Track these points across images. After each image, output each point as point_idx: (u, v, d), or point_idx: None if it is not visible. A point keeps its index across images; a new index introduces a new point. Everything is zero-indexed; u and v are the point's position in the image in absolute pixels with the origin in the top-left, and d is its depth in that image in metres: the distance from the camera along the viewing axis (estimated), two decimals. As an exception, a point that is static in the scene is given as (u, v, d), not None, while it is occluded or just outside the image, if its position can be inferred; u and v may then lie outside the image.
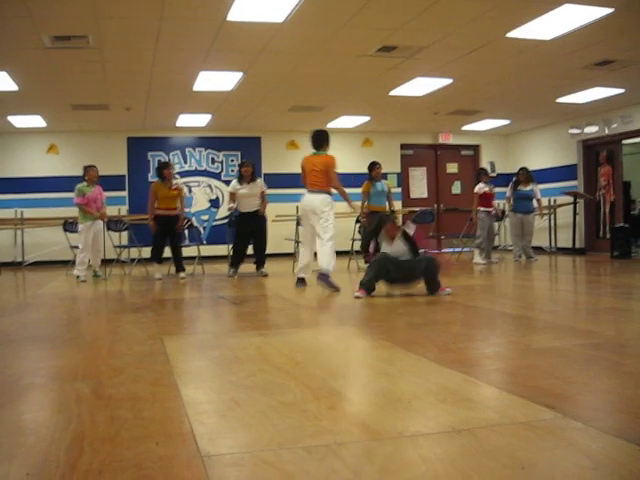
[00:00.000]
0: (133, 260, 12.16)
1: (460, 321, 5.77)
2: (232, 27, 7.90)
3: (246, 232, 10.92)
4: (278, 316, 6.55)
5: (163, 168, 11.02)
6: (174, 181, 11.12)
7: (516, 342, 4.64)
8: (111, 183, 14.71)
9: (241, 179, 10.94)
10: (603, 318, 5.85)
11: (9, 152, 14.81)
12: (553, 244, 15.20)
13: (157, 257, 10.92)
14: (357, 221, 11.96)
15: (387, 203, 11.58)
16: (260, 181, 11.07)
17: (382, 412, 2.97)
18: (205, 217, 15.69)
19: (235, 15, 7.50)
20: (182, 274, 10.69)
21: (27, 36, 7.96)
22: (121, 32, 8.06)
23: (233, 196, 11.00)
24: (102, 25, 7.73)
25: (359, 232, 11.86)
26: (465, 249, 13.85)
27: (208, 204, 15.89)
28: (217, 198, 15.91)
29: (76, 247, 10.99)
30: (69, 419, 2.90)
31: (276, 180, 15.57)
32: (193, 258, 11.77)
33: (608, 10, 7.55)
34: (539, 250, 14.49)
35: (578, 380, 3.48)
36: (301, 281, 8.81)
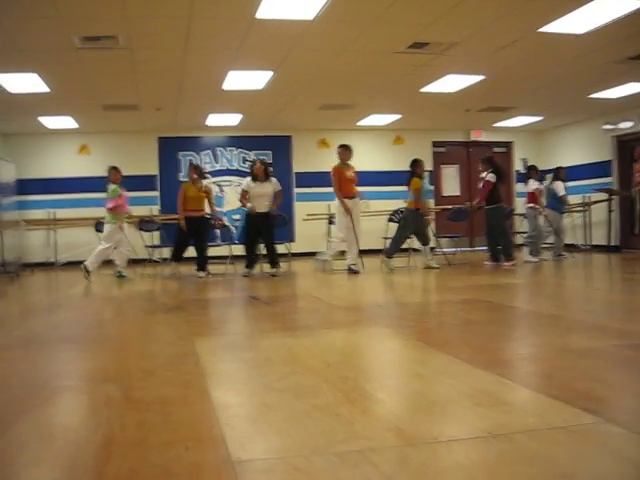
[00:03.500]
0: (165, 260, 12.16)
1: (494, 321, 5.67)
2: (261, 25, 7.86)
3: (253, 232, 10.99)
4: (310, 316, 6.49)
5: (189, 170, 11.23)
6: (204, 182, 11.19)
7: (552, 343, 4.53)
8: (142, 183, 14.80)
9: (255, 178, 10.97)
10: (641, 317, 5.72)
11: (41, 153, 14.92)
12: (588, 241, 15.00)
13: (176, 257, 11.13)
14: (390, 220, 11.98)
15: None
16: (274, 181, 11.03)
17: (416, 416, 2.90)
18: (236, 217, 15.67)
19: (264, 13, 7.45)
20: (201, 273, 10.83)
21: (57, 37, 7.98)
22: (150, 32, 8.06)
23: (245, 194, 11.06)
24: (131, 25, 7.72)
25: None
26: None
27: (239, 204, 15.87)
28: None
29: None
30: (98, 423, 2.87)
31: (307, 179, 15.56)
32: (225, 257, 11.76)
33: (644, 1, 7.40)
34: (573, 247, 14.31)
35: (618, 383, 3.39)
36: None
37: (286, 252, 11.89)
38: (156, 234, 13.07)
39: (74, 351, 4.82)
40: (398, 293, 8.72)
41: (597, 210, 14.85)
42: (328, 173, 10.99)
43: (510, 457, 2.33)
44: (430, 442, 2.51)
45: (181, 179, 14.68)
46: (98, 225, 11.86)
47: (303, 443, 2.52)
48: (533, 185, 12.68)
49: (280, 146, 16.09)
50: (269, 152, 15.95)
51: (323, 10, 7.41)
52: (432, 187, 11.58)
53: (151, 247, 12.36)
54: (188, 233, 10.87)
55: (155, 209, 14.93)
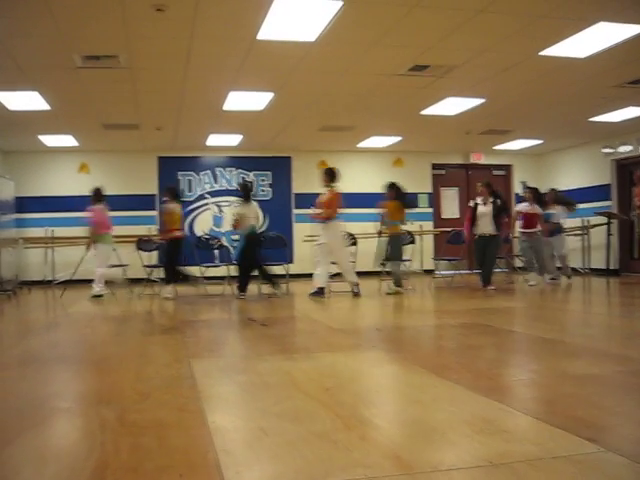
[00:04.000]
0: (163, 280, 12.10)
1: (494, 345, 5.63)
2: (262, 46, 7.86)
3: (244, 252, 11.07)
4: (308, 339, 6.45)
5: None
6: (171, 205, 11.34)
7: (552, 368, 4.49)
8: (142, 203, 14.79)
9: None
10: (642, 343, 5.68)
11: (40, 171, 14.92)
12: (586, 265, 14.95)
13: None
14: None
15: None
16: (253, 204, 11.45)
17: (415, 443, 2.85)
18: (235, 237, 15.61)
19: (265, 34, 7.45)
20: (165, 291, 11.10)
21: (58, 56, 7.99)
22: (152, 52, 8.06)
23: None
24: (133, 45, 7.72)
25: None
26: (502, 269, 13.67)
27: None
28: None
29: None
30: (92, 447, 2.82)
31: (307, 200, 15.48)
32: (223, 278, 11.71)
33: (645, 28, 7.41)
34: (572, 271, 14.26)
35: (619, 410, 3.34)
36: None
37: (284, 273, 11.83)
38: (154, 254, 13.03)
39: (71, 371, 4.78)
40: (396, 316, 8.67)
41: (596, 233, 14.80)
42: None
43: (511, 487, 2.29)
44: (429, 471, 2.47)
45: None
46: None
47: (300, 470, 2.48)
48: (523, 207, 12.66)
49: (280, 167, 16.09)
50: (269, 173, 15.97)
51: (324, 33, 7.41)
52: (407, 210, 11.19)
53: (149, 267, 12.32)
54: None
55: (154, 229, 14.88)
